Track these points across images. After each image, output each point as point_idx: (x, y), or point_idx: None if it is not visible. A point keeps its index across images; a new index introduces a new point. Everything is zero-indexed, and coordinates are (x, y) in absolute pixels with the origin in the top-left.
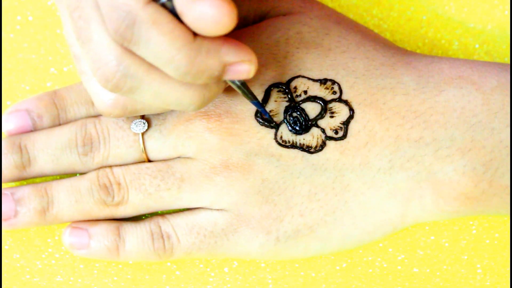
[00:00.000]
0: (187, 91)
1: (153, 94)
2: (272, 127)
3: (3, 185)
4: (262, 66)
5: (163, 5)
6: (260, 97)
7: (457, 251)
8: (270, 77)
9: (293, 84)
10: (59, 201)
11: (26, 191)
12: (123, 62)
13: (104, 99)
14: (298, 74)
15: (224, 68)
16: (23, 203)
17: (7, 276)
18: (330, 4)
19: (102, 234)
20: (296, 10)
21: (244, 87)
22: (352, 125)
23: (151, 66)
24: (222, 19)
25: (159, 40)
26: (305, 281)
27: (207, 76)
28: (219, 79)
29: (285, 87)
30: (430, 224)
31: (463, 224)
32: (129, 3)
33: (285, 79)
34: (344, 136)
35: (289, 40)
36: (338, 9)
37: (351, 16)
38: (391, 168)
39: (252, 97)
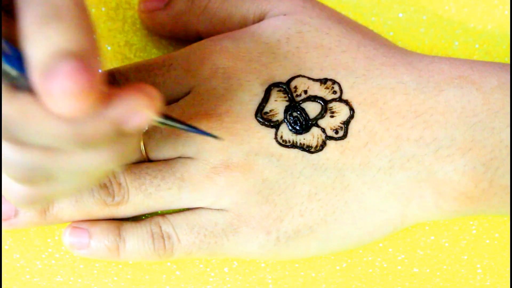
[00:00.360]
0: (100, 156)
1: (68, 175)
2: (272, 127)
3: None
4: (262, 66)
5: (20, 88)
6: (260, 96)
7: (457, 251)
8: (270, 77)
9: (293, 83)
10: (59, 201)
11: None
12: (25, 159)
13: (13, 197)
14: (298, 74)
15: (119, 123)
16: None
17: (7, 276)
18: (330, 4)
19: (103, 234)
20: (297, 9)
21: (169, 120)
22: (352, 125)
23: (49, 148)
24: (79, 113)
25: (37, 129)
26: (305, 281)
27: (104, 139)
28: (122, 133)
29: (285, 86)
30: (430, 224)
31: (463, 224)
32: None
33: (285, 78)
34: (344, 136)
35: (289, 40)
36: (338, 9)
37: (351, 16)
38: (391, 168)
39: (184, 126)
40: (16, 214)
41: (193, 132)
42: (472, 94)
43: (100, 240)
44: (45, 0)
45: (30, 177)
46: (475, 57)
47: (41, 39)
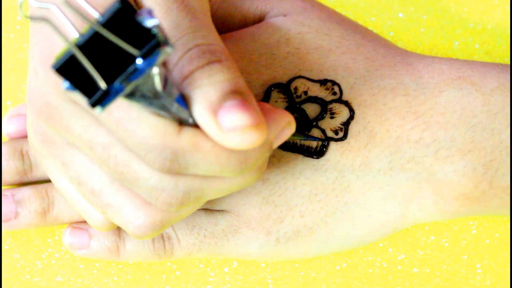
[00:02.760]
0: (247, 177)
1: (216, 194)
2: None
3: (4, 186)
4: (262, 67)
5: (194, 125)
6: (260, 97)
7: (457, 251)
8: (270, 78)
9: (293, 84)
10: (59, 202)
11: (26, 193)
12: (179, 185)
13: (139, 224)
14: (298, 75)
15: (272, 143)
16: (23, 205)
17: (7, 276)
18: (330, 5)
19: (103, 234)
20: (297, 10)
21: (298, 134)
22: (352, 125)
23: (205, 176)
24: (255, 144)
25: (206, 160)
26: (305, 281)
27: (263, 159)
28: (271, 152)
29: (285, 87)
30: (430, 224)
31: (463, 224)
32: (162, 141)
33: (285, 79)
34: (344, 137)
35: (289, 41)
36: (338, 10)
37: (351, 16)
38: (391, 169)
39: (307, 137)
40: (16, 215)
41: (317, 140)
42: (472, 95)
43: (100, 240)
44: (203, 44)
45: (184, 201)
46: (475, 57)
47: (206, 81)
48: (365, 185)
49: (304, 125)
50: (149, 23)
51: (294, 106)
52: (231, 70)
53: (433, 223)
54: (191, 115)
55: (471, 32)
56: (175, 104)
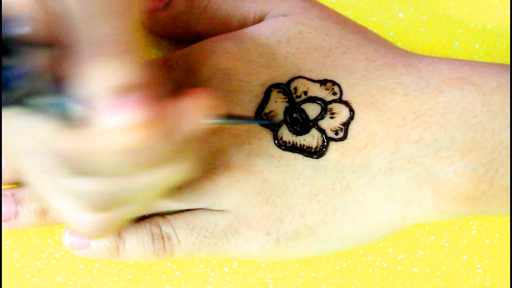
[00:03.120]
0: (170, 168)
1: (141, 193)
2: (273, 128)
3: (3, 186)
4: (262, 67)
5: (74, 124)
6: (260, 97)
7: (457, 251)
8: (270, 78)
9: (293, 84)
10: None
11: (26, 192)
12: (95, 187)
13: (81, 225)
14: (298, 75)
15: (177, 132)
16: (23, 204)
17: (7, 276)
18: (330, 4)
19: None
20: (297, 10)
21: (223, 118)
22: (352, 126)
23: (117, 174)
24: (143, 143)
25: (102, 160)
26: (305, 281)
27: (170, 154)
28: (184, 142)
29: (285, 87)
30: (430, 224)
31: (463, 224)
32: (53, 143)
33: (285, 79)
34: (344, 137)
35: (289, 41)
36: (338, 9)
37: (351, 16)
38: (392, 169)
39: (243, 120)
40: (16, 215)
41: (254, 123)
42: (472, 95)
43: (100, 240)
44: (97, 37)
45: (105, 204)
46: (475, 57)
47: (98, 76)
48: (365, 185)
49: (304, 125)
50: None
51: (294, 106)
52: (125, 60)
53: (433, 223)
54: (79, 114)
55: (471, 32)
56: (63, 102)
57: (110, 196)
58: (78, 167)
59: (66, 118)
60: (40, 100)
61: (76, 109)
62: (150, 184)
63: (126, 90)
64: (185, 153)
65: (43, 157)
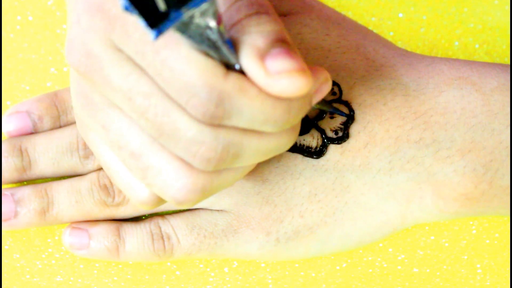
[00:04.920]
0: (285, 134)
1: (254, 154)
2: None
3: (3, 186)
4: None
5: (240, 72)
6: None
7: (457, 251)
8: None
9: None
10: (59, 201)
11: (26, 192)
12: (219, 137)
13: (179, 187)
14: None
15: (311, 97)
16: (23, 204)
17: (7, 276)
18: (330, 4)
19: (102, 234)
20: (297, 10)
21: (324, 101)
22: (352, 126)
23: (245, 129)
24: (301, 89)
25: (251, 107)
26: (305, 281)
27: (303, 114)
28: (310, 108)
29: None
30: (430, 224)
31: (463, 224)
32: (209, 82)
33: None
34: (344, 137)
35: None
36: (338, 9)
37: (351, 16)
38: (391, 169)
39: (329, 105)
40: (16, 215)
41: (338, 114)
42: (471, 95)
43: (100, 240)
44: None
45: (223, 156)
46: (475, 57)
47: (255, 28)
48: (365, 185)
49: (304, 125)
50: None
51: None
52: (278, 22)
53: (433, 223)
54: (238, 61)
55: (471, 32)
56: (224, 45)
57: (231, 150)
58: (222, 112)
59: (223, 60)
60: (207, 34)
61: (233, 55)
62: (269, 147)
63: (282, 42)
64: (298, 125)
65: (185, 96)
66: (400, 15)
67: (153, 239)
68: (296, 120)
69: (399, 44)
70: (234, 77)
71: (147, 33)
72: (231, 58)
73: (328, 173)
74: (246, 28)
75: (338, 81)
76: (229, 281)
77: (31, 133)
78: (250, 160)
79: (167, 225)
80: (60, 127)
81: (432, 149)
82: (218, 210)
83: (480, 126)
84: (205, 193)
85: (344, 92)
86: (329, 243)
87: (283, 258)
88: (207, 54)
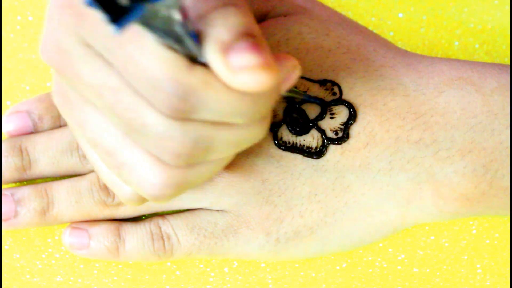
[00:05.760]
0: (256, 125)
1: (226, 146)
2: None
3: (3, 186)
4: None
5: (205, 65)
6: None
7: (457, 251)
8: None
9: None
10: (59, 201)
11: (26, 192)
12: (188, 131)
13: (153, 182)
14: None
15: (280, 86)
16: (23, 204)
17: (7, 276)
18: (330, 4)
19: (102, 234)
20: (297, 10)
21: (293, 88)
22: (352, 126)
23: (214, 122)
24: (264, 85)
25: (217, 100)
26: (305, 281)
27: (272, 104)
28: (278, 97)
29: None
30: (430, 224)
31: (463, 224)
32: (173, 75)
33: None
34: (344, 137)
35: (289, 41)
36: (338, 9)
37: (351, 16)
38: (391, 169)
39: (301, 93)
40: (16, 214)
41: (313, 102)
42: (472, 95)
43: (100, 240)
44: None
45: (193, 151)
46: (475, 57)
47: (220, 21)
48: (365, 186)
49: (304, 125)
50: None
51: (294, 106)
52: (246, 14)
53: (433, 223)
54: (202, 54)
55: (471, 32)
56: (189, 39)
57: (200, 143)
58: (188, 106)
59: (188, 53)
60: (171, 28)
61: (197, 48)
62: (240, 138)
63: (248, 36)
64: (269, 114)
65: (151, 91)
66: (400, 15)
67: (153, 239)
68: (265, 110)
69: (399, 44)
70: (199, 71)
71: (110, 28)
72: (196, 52)
73: (328, 173)
74: (211, 21)
75: (338, 81)
76: (229, 281)
77: (31, 133)
78: (223, 152)
79: (167, 225)
80: (60, 126)
81: (432, 150)
82: (218, 210)
83: (480, 126)
84: (181, 187)
85: (344, 92)
86: (329, 243)
87: (283, 258)
88: (172, 48)
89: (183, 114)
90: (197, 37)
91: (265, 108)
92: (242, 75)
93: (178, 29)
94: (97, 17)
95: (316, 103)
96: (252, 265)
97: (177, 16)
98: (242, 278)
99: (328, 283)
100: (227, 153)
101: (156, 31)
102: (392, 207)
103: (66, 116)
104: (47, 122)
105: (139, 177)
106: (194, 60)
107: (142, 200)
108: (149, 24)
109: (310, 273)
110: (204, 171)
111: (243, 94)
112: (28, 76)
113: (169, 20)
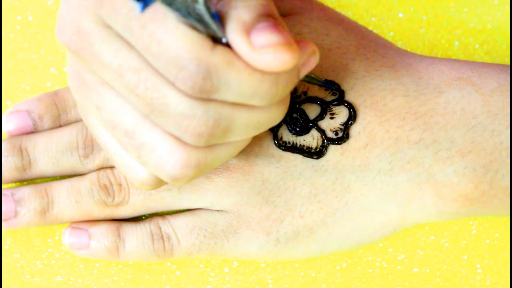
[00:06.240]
0: (274, 108)
1: (245, 128)
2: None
3: (3, 186)
4: None
5: (227, 45)
6: None
7: (457, 251)
8: None
9: None
10: (59, 201)
11: (26, 192)
12: (209, 111)
13: (173, 163)
14: None
15: (299, 70)
16: (23, 204)
17: (7, 276)
18: (330, 4)
19: (102, 234)
20: (297, 11)
21: (310, 74)
22: (352, 126)
23: (235, 103)
24: (287, 64)
25: (238, 80)
26: (305, 281)
27: (292, 87)
28: (298, 81)
29: None
30: (430, 224)
31: (463, 224)
32: (197, 55)
33: None
34: (344, 138)
35: None
36: (338, 9)
37: (351, 16)
38: (391, 169)
39: (319, 79)
40: (16, 214)
41: (329, 88)
42: (472, 96)
43: (100, 240)
44: None
45: (213, 131)
46: (475, 57)
47: (241, 3)
48: (365, 186)
49: (304, 125)
50: None
51: (294, 106)
52: None
53: (433, 223)
54: (224, 35)
55: (471, 32)
56: (211, 19)
57: (221, 124)
58: (210, 86)
59: (210, 33)
60: (193, 8)
61: (220, 30)
62: (259, 120)
63: (268, 17)
64: (287, 97)
65: (173, 70)
66: (400, 15)
67: (153, 239)
68: (284, 93)
69: (399, 44)
70: (221, 51)
71: (134, 7)
72: (217, 32)
73: (328, 173)
74: (232, 2)
75: (338, 81)
76: (229, 281)
77: (31, 132)
78: (242, 134)
79: (167, 225)
80: (60, 126)
81: (432, 150)
82: (218, 210)
83: (480, 126)
84: (200, 168)
85: (344, 93)
86: (329, 244)
87: (283, 258)
88: (194, 28)
89: (205, 94)
90: (219, 18)
91: (284, 91)
92: (265, 54)
93: (201, 9)
94: None
95: (333, 90)
96: (252, 265)
97: None
98: (242, 278)
99: (328, 283)
100: (246, 135)
101: (179, 10)
102: (392, 207)
103: (82, 99)
104: (47, 122)
105: (159, 157)
106: (217, 40)
107: (157, 183)
108: (172, 3)
109: (310, 273)
110: (223, 153)
111: (264, 75)
112: (28, 76)
113: (191, 0)
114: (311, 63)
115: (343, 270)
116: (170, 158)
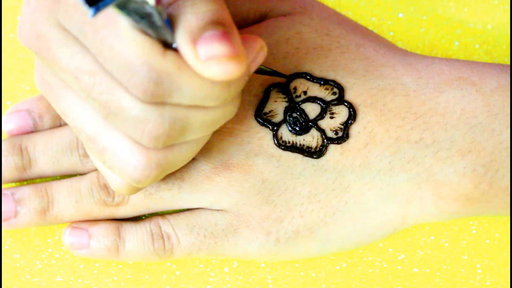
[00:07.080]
0: (229, 104)
1: (202, 126)
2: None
3: (3, 185)
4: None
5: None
6: (259, 97)
7: (457, 251)
8: (269, 77)
9: (292, 84)
10: (59, 201)
11: (26, 192)
12: (164, 114)
13: (134, 165)
14: None
15: (249, 68)
16: (23, 204)
17: (7, 276)
18: (330, 4)
19: (102, 234)
20: (297, 10)
21: (260, 66)
22: (352, 126)
23: (189, 105)
24: (232, 74)
25: (190, 85)
26: (305, 281)
27: (243, 85)
28: (248, 77)
29: (284, 87)
30: (430, 224)
31: (463, 224)
32: (148, 60)
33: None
34: (344, 137)
35: (289, 41)
36: (338, 9)
37: (351, 16)
38: (391, 169)
39: (268, 69)
40: (16, 214)
41: (279, 76)
42: (472, 95)
43: (100, 240)
44: None
45: (170, 133)
46: (475, 57)
47: (189, 8)
48: (365, 186)
49: (304, 125)
50: None
51: (294, 106)
52: (215, 1)
53: (433, 223)
54: (174, 40)
55: (471, 32)
56: (163, 24)
57: (177, 126)
58: (161, 91)
59: (161, 38)
60: (145, 13)
61: (171, 35)
62: (215, 118)
63: (216, 25)
64: (240, 93)
65: (125, 75)
66: (400, 15)
67: (153, 239)
68: (237, 92)
69: (399, 44)
70: (172, 56)
71: (86, 11)
72: (168, 37)
73: (328, 173)
74: (181, 9)
75: (338, 81)
76: (229, 281)
77: (32, 132)
78: (199, 132)
79: (167, 225)
80: (61, 125)
81: (432, 150)
82: (218, 210)
83: (480, 126)
84: (162, 169)
85: (344, 92)
86: (329, 243)
87: (283, 258)
88: (146, 33)
89: (157, 98)
90: (170, 23)
91: (236, 91)
92: (211, 65)
93: (152, 14)
94: (72, 0)
95: (282, 77)
96: (252, 265)
97: (151, 1)
98: (242, 278)
99: (328, 283)
100: (204, 133)
101: (130, 15)
102: (392, 207)
103: (50, 102)
104: (47, 121)
105: (121, 160)
106: (168, 45)
107: (132, 189)
108: (124, 8)
109: (310, 273)
110: (184, 152)
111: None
112: (28, 76)
113: (143, 5)
114: (260, 59)
115: (343, 270)
116: (131, 161)
